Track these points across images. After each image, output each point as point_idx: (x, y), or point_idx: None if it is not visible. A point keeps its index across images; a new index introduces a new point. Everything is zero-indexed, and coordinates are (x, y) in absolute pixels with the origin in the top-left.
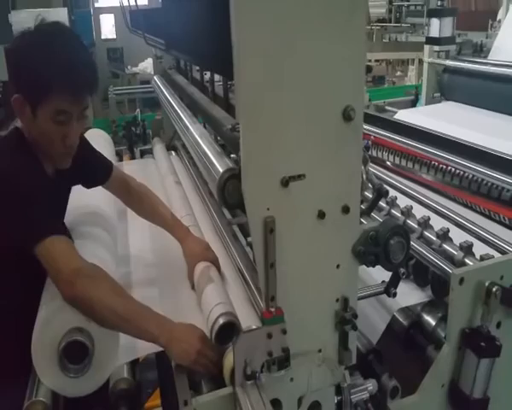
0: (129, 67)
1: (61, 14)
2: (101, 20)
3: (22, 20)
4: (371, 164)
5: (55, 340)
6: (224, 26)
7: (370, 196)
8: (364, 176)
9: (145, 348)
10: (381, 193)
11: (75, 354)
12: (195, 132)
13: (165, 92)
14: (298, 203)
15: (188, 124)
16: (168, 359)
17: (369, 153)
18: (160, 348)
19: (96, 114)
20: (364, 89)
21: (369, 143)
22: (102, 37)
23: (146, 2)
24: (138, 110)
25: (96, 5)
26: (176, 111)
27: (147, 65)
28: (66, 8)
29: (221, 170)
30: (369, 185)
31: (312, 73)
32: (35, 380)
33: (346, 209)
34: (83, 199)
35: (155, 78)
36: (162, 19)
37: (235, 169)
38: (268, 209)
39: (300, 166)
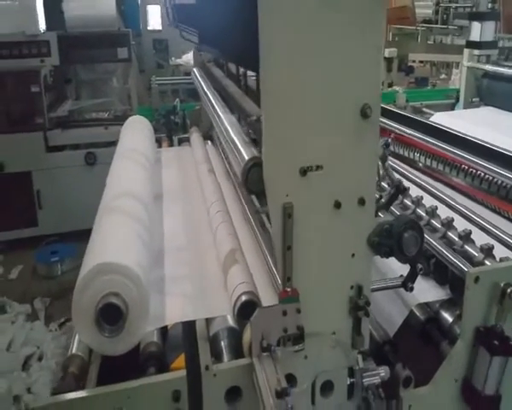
0: (173, 58)
1: (109, 4)
2: (148, 12)
3: (73, 9)
4: (401, 163)
5: (93, 301)
6: (253, 24)
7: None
8: (382, 172)
9: (173, 317)
10: (399, 189)
11: (110, 315)
12: (226, 122)
13: (203, 84)
14: (315, 192)
15: (220, 114)
16: (194, 327)
17: (393, 150)
18: (188, 318)
19: (140, 101)
20: (381, 88)
21: (389, 140)
22: (149, 28)
23: None
24: (178, 100)
25: None
26: (211, 102)
27: (190, 57)
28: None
29: (246, 157)
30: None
31: (332, 73)
32: (75, 337)
33: (361, 201)
34: (121, 181)
35: (195, 69)
36: (196, 15)
37: (259, 158)
38: (287, 196)
39: (318, 157)
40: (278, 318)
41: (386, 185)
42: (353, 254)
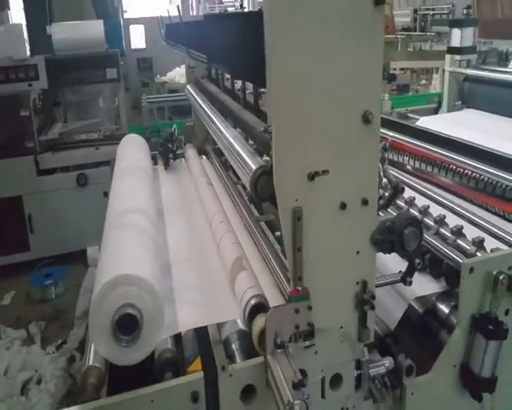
0: (158, 76)
1: (97, 26)
2: (130, 31)
3: (61, 32)
4: (392, 167)
5: (109, 313)
6: (260, 43)
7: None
8: (382, 173)
9: (186, 324)
10: (397, 189)
11: (126, 326)
12: (229, 135)
13: (199, 100)
14: (322, 195)
15: (221, 128)
16: (206, 332)
17: (388, 155)
18: (200, 324)
19: (127, 120)
20: (381, 96)
21: (387, 144)
22: (132, 47)
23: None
24: (175, 127)
25: (126, 16)
26: (210, 117)
27: (175, 74)
28: (102, 21)
29: (254, 167)
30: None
31: (336, 83)
32: (91, 348)
33: (365, 201)
34: (126, 197)
35: (188, 86)
36: (203, 34)
37: (266, 166)
38: (296, 200)
39: (325, 163)
40: (291, 315)
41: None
42: (358, 252)
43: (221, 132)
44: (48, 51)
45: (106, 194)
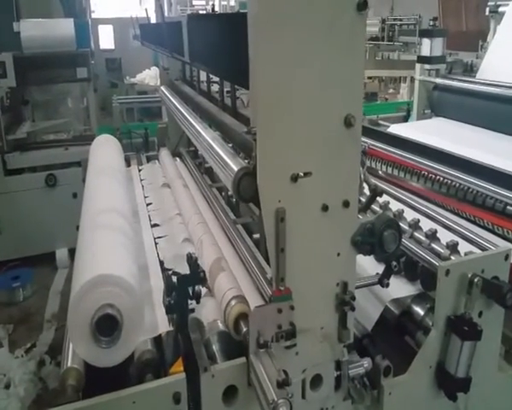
0: (127, 77)
1: (67, 25)
2: (99, 31)
3: (29, 29)
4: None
5: (88, 314)
6: (245, 45)
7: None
8: (362, 176)
9: (166, 326)
10: (376, 192)
11: (106, 327)
12: (208, 137)
13: (175, 101)
14: (305, 197)
15: (200, 129)
16: (187, 333)
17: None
18: None
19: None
20: (362, 99)
21: (366, 148)
22: (100, 47)
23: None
24: (195, 256)
25: (94, 16)
26: (187, 118)
27: (145, 76)
28: (72, 19)
29: (236, 168)
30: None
31: (319, 87)
32: (69, 350)
33: (346, 204)
34: (102, 197)
35: (162, 88)
36: (186, 35)
37: (248, 167)
38: (279, 201)
39: (308, 165)
40: (273, 315)
41: None
42: (339, 254)
43: (200, 134)
44: (15, 48)
45: (75, 195)
